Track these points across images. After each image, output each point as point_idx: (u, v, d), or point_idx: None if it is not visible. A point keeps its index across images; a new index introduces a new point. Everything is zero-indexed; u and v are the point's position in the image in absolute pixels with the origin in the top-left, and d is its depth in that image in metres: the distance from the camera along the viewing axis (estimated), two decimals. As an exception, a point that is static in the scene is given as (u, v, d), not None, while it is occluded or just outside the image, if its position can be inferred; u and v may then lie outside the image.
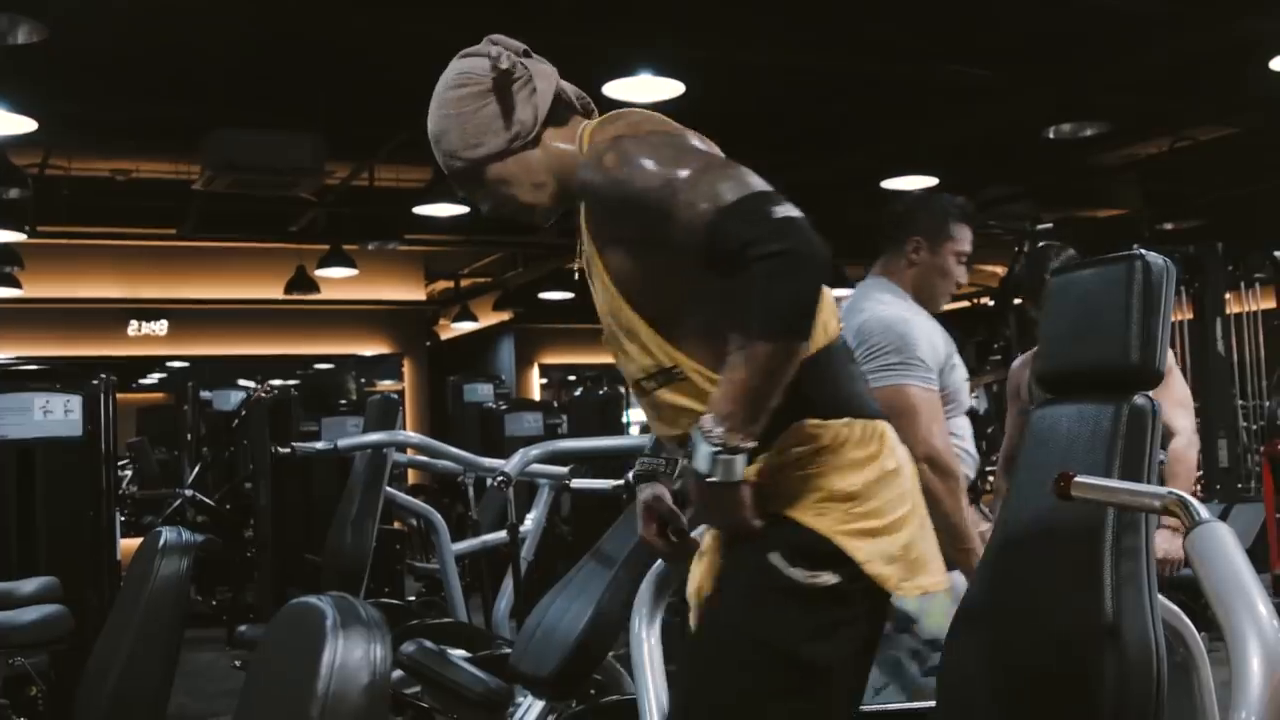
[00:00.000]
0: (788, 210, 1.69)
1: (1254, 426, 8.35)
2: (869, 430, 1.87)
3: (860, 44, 7.25)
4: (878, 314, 2.94)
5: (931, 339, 2.97)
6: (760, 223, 1.68)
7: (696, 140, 1.92)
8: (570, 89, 2.05)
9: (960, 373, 3.02)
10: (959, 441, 3.05)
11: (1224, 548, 1.50)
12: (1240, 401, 8.21)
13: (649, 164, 1.79)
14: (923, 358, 2.91)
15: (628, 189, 1.79)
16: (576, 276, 2.08)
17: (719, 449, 1.70)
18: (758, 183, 1.74)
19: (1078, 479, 1.75)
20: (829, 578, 1.79)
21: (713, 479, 1.71)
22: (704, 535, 2.04)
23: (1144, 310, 1.97)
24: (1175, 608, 2.29)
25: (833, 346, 1.91)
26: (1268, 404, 8.27)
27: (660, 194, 1.76)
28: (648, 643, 2.39)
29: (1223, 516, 4.96)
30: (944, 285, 3.13)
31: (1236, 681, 1.40)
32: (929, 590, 1.85)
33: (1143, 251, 2.05)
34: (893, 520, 1.84)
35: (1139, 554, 1.92)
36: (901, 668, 2.94)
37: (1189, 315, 7.87)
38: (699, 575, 1.99)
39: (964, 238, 3.14)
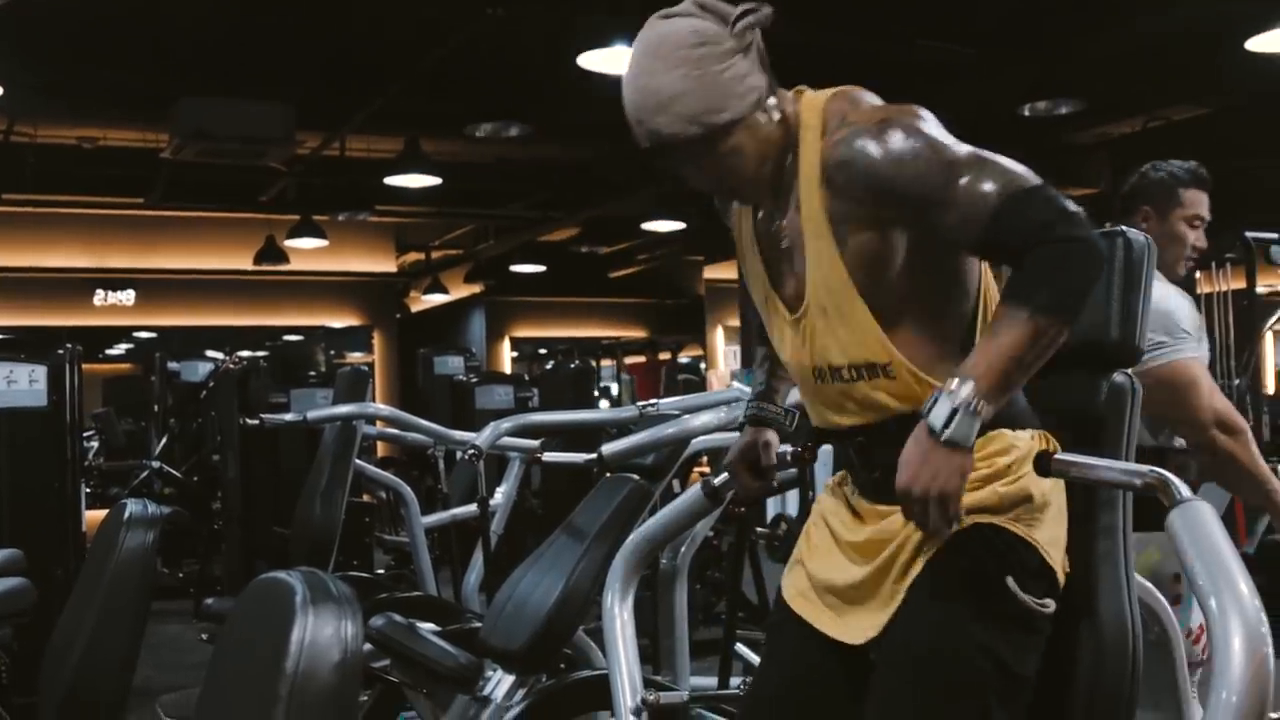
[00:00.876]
0: (1075, 206, 1.71)
1: (1222, 405, 8.38)
2: (1045, 442, 1.86)
3: (837, 19, 7.22)
4: None
5: (1189, 311, 3.01)
6: (1059, 210, 1.70)
7: None
8: None
9: (1206, 342, 3.07)
10: None
11: (1206, 526, 1.49)
12: (1209, 381, 8.25)
13: (931, 148, 1.77)
14: (1189, 330, 2.96)
15: (908, 170, 1.76)
16: (743, 272, 2.00)
17: (962, 406, 1.66)
18: (1035, 176, 1.75)
19: (1057, 456, 1.74)
20: (1050, 604, 1.80)
21: (946, 434, 1.66)
22: (812, 534, 2.03)
23: (1125, 287, 1.97)
24: (1150, 585, 2.29)
25: None
26: (1236, 383, 8.31)
27: (941, 178, 1.75)
28: (620, 617, 2.38)
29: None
30: (1176, 251, 3.15)
31: (1218, 661, 1.39)
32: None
33: (1124, 228, 2.04)
34: (1064, 520, 1.87)
35: (1116, 532, 1.91)
36: None
37: (1159, 294, 7.90)
38: (812, 576, 1.97)
39: (1194, 202, 3.16)
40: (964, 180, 1.74)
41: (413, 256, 16.09)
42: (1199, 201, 3.15)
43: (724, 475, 2.34)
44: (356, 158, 10.05)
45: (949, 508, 1.70)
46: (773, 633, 2.08)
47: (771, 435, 2.18)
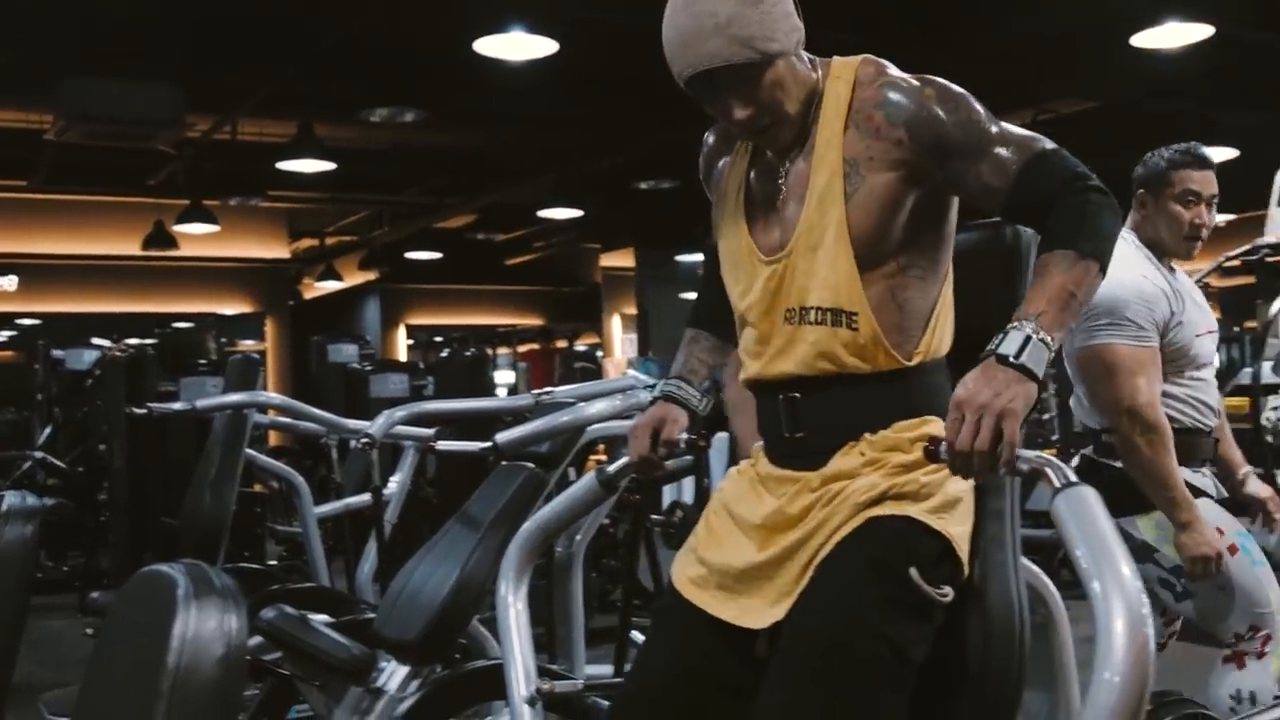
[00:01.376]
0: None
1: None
2: None
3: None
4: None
5: (1146, 300, 3.02)
6: (1079, 169, 1.84)
7: None
8: None
9: (1189, 329, 3.08)
10: (1196, 394, 3.13)
11: (1090, 511, 1.51)
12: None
13: (971, 105, 1.90)
14: (1132, 318, 2.99)
15: (954, 116, 1.88)
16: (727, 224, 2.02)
17: (1033, 335, 1.70)
18: (1050, 141, 1.90)
19: (945, 441, 1.75)
20: (949, 593, 1.83)
21: (1021, 359, 1.68)
22: (712, 521, 2.03)
23: (1005, 277, 2.01)
24: (1036, 568, 2.33)
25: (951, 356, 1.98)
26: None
27: (980, 130, 1.88)
28: (514, 606, 2.36)
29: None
30: (1174, 230, 3.16)
31: (1101, 643, 1.42)
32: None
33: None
34: (971, 518, 1.91)
35: (1004, 516, 1.94)
36: (1155, 598, 3.00)
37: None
38: (709, 561, 1.98)
39: (1186, 180, 3.16)
40: (996, 138, 1.88)
41: (306, 243, 15.89)
42: (1190, 179, 3.17)
43: (619, 463, 2.34)
44: (248, 141, 9.89)
45: (1006, 429, 1.66)
46: (659, 619, 2.08)
47: (680, 413, 2.21)
